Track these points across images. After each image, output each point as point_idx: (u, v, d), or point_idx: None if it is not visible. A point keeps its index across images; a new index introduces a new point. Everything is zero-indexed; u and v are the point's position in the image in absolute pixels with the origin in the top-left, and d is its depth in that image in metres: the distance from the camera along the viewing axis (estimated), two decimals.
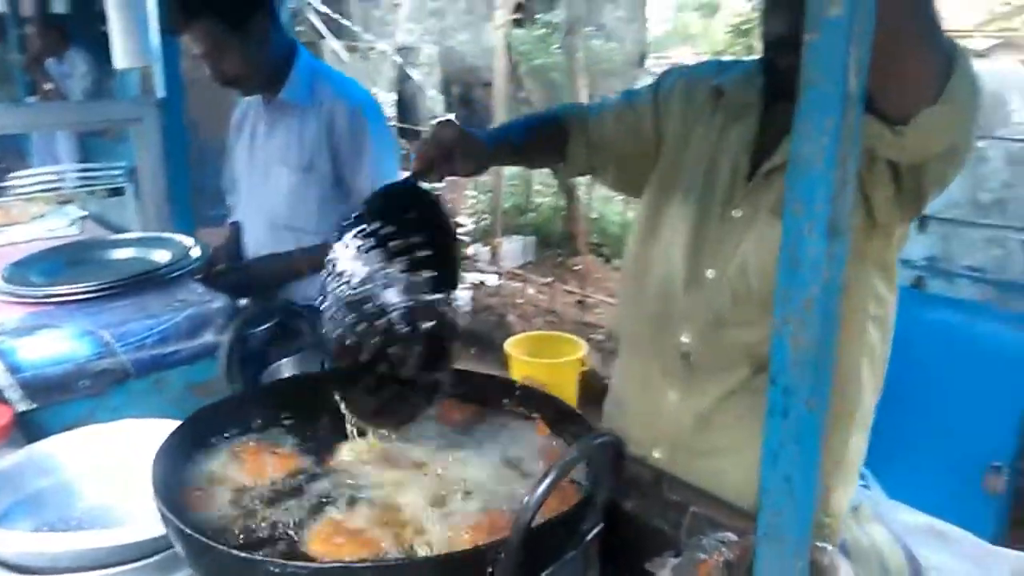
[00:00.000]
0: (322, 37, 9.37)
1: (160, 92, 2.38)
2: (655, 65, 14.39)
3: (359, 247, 0.94)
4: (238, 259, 2.24)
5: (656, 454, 1.42)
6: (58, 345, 1.28)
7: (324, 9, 9.89)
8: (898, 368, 2.49)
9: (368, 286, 0.93)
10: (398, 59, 10.96)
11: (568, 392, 3.70)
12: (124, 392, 1.32)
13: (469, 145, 1.24)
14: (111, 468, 1.13)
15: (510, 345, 4.05)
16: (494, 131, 1.50)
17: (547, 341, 4.19)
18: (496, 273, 6.37)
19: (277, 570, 0.65)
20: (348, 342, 0.93)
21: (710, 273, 1.35)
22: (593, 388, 3.65)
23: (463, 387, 1.12)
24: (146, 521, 1.00)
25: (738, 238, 1.33)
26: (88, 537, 0.95)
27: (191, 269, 1.61)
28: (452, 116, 8.57)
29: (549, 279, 5.96)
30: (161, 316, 1.38)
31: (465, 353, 4.64)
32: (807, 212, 0.86)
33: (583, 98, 8.14)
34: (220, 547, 0.72)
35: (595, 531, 0.77)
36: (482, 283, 6.28)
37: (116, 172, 2.37)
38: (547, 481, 0.62)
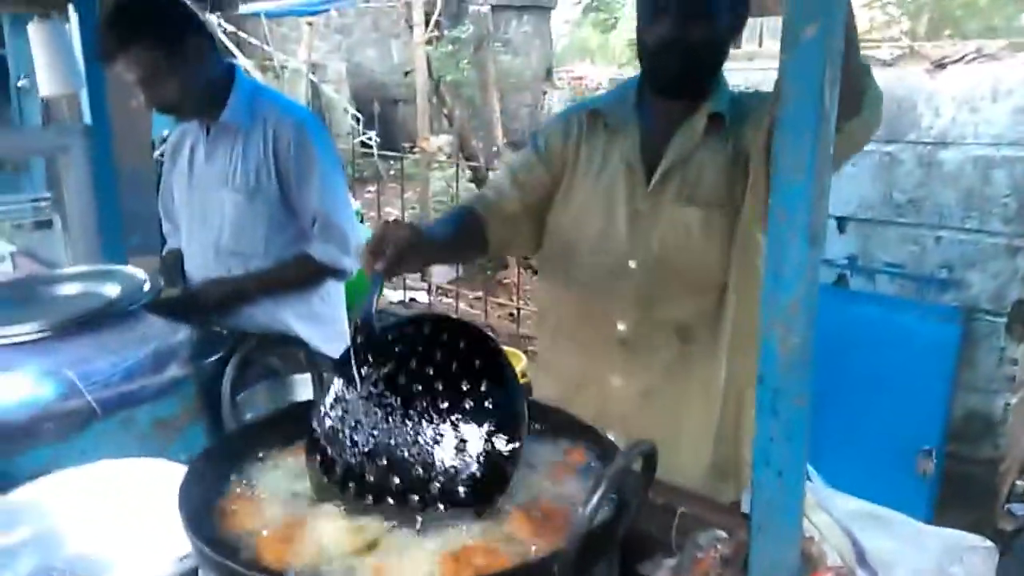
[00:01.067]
0: (232, 56, 9.16)
1: (87, 119, 2.30)
2: (561, 78, 14.62)
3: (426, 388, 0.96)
4: (180, 286, 2.18)
5: (610, 436, 1.51)
6: (19, 389, 1.22)
7: (230, 27, 9.67)
8: (828, 362, 2.61)
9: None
10: (312, 76, 10.79)
11: None
12: (90, 434, 1.26)
13: (422, 247, 1.27)
14: (94, 513, 1.09)
15: None
16: (431, 229, 1.50)
17: None
18: (426, 290, 6.34)
19: None
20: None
21: (632, 263, 1.51)
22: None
23: None
24: (136, 565, 0.97)
25: (650, 227, 1.50)
26: None
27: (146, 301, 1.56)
28: (373, 134, 8.50)
29: (479, 293, 5.97)
30: (125, 352, 1.33)
31: None
32: (790, 221, 0.91)
33: (497, 113, 8.20)
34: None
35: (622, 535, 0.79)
36: (413, 300, 6.24)
37: (42, 204, 2.27)
38: (600, 490, 0.64)
